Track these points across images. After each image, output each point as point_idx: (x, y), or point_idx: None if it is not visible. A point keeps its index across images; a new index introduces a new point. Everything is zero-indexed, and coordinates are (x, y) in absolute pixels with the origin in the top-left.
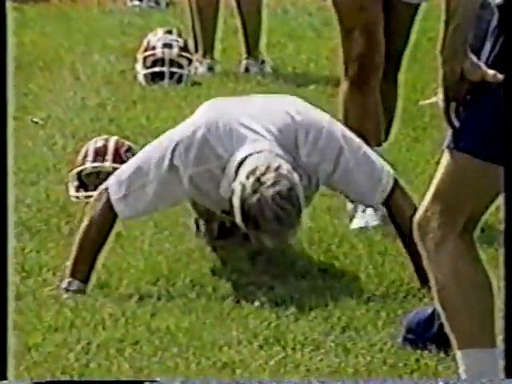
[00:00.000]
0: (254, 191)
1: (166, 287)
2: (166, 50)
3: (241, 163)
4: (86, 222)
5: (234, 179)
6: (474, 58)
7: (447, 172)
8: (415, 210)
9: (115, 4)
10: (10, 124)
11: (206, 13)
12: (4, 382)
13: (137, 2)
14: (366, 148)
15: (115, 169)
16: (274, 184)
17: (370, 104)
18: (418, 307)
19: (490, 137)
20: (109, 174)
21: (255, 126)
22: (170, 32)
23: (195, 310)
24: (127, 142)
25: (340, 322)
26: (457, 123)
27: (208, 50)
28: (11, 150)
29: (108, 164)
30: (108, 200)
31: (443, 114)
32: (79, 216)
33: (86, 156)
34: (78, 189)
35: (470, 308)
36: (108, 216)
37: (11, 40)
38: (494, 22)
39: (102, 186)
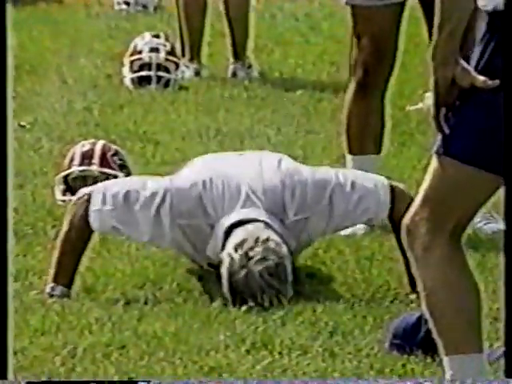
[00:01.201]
0: (242, 266)
1: (153, 291)
2: (153, 55)
3: (229, 230)
4: (65, 227)
5: (223, 246)
6: (465, 64)
7: (436, 177)
8: None
9: (102, 8)
10: (10, 127)
11: (194, 17)
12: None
13: (124, 6)
14: (352, 176)
15: (102, 173)
16: (262, 259)
17: (373, 110)
18: (405, 312)
19: (478, 143)
20: (95, 177)
21: (247, 190)
22: (157, 36)
23: (182, 314)
24: (114, 146)
25: (327, 326)
26: (446, 129)
27: (195, 55)
28: (11, 154)
29: (95, 168)
30: (87, 207)
31: (433, 119)
32: None
33: (72, 160)
34: (64, 192)
35: (457, 314)
36: (87, 222)
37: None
38: (484, 29)
39: (85, 191)
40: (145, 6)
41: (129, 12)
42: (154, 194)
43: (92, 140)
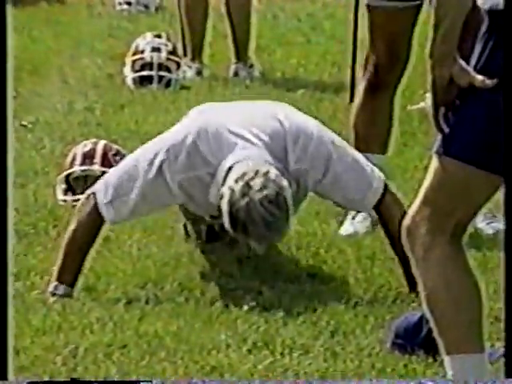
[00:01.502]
0: (243, 195)
1: (154, 291)
2: (155, 54)
3: (230, 169)
4: (72, 226)
5: (223, 185)
6: (463, 63)
7: (436, 177)
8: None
9: (104, 8)
10: (11, 129)
11: (195, 17)
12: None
13: (125, 6)
14: (355, 153)
15: (103, 172)
16: (262, 188)
17: (381, 110)
18: (407, 312)
19: (478, 142)
20: (97, 177)
21: (244, 133)
22: (158, 36)
23: (183, 314)
24: (115, 146)
25: (328, 326)
26: (446, 128)
27: (197, 54)
28: (11, 154)
29: (96, 168)
30: (95, 204)
31: (432, 119)
32: (67, 219)
33: (74, 159)
34: (65, 192)
35: (458, 313)
36: (95, 220)
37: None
38: (484, 28)
39: (90, 190)
40: (146, 6)
41: (130, 12)
42: (151, 162)
43: (93, 140)
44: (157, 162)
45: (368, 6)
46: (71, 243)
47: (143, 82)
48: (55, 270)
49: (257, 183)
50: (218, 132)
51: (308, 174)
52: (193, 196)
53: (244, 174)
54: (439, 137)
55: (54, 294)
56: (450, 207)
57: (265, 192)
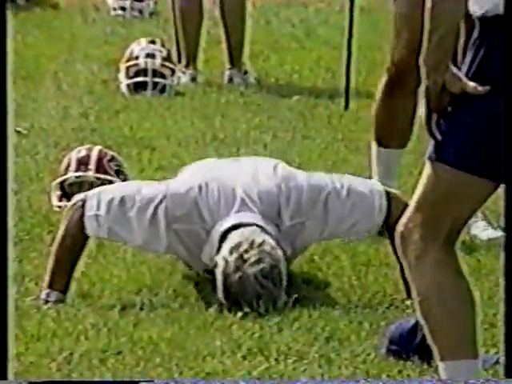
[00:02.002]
0: (237, 268)
1: (149, 297)
2: (149, 60)
3: (224, 234)
4: (60, 232)
5: (218, 250)
6: (455, 70)
7: (429, 183)
8: None
9: (98, 13)
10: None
11: (190, 23)
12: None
13: (120, 12)
14: (349, 180)
15: (98, 178)
16: (257, 262)
17: (401, 105)
18: (401, 318)
19: (471, 148)
20: (91, 183)
21: (242, 195)
22: (153, 42)
23: (178, 320)
24: (110, 152)
25: (323, 332)
26: (438, 135)
27: (191, 61)
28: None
29: (91, 174)
30: (82, 213)
31: (425, 125)
32: None
33: (68, 165)
34: (60, 198)
35: (452, 320)
36: (82, 228)
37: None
38: (475, 35)
39: (80, 196)
40: (141, 12)
41: (125, 17)
42: (149, 200)
43: (88, 146)
44: (154, 204)
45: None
46: (60, 250)
47: (138, 88)
48: (46, 276)
49: (251, 256)
50: (218, 191)
51: (305, 227)
52: (189, 247)
53: (238, 245)
54: (432, 143)
55: (46, 302)
56: (442, 213)
57: (259, 266)
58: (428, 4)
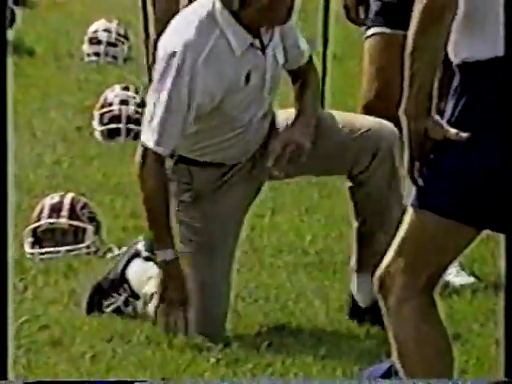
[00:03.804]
0: None
1: (121, 344)
2: (123, 107)
3: None
4: (145, 193)
5: None
6: (437, 117)
7: (411, 229)
8: None
9: (72, 60)
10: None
11: None
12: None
13: (94, 58)
14: None
15: (71, 225)
16: None
17: None
18: (375, 363)
19: (453, 196)
20: (64, 230)
21: None
22: (127, 88)
23: (150, 367)
24: (83, 199)
25: (297, 378)
26: (421, 182)
27: None
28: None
29: (64, 221)
30: (151, 154)
31: (407, 173)
32: (34, 273)
33: (41, 212)
34: (33, 245)
35: (428, 367)
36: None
37: None
38: (456, 82)
39: (138, 154)
40: (115, 58)
41: (99, 63)
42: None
43: (61, 193)
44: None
45: (366, 36)
46: (156, 209)
47: (112, 134)
48: (157, 239)
49: None
50: None
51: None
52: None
53: None
54: (414, 190)
55: (166, 262)
56: (424, 259)
57: None
58: (407, 51)
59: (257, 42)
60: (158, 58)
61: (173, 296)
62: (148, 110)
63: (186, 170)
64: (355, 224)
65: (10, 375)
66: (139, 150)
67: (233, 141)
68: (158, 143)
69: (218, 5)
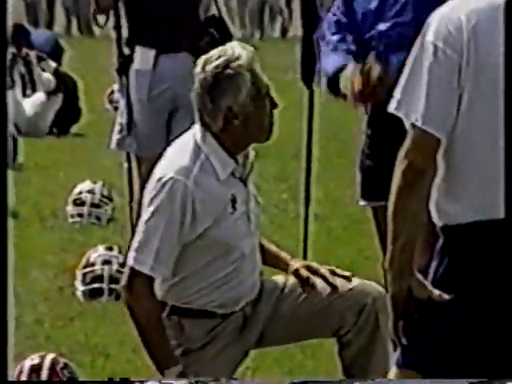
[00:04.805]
0: None
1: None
2: (106, 267)
3: None
4: (140, 316)
5: None
6: (421, 277)
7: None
8: None
9: (56, 220)
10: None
11: None
12: None
13: (78, 219)
14: None
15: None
16: None
17: None
18: None
19: (437, 356)
20: None
21: None
22: (110, 248)
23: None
24: (63, 360)
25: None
26: (405, 341)
27: None
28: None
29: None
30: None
31: (391, 331)
32: None
33: (20, 373)
34: None
35: None
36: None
37: None
38: (439, 243)
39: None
40: (98, 219)
41: (82, 224)
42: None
43: (42, 353)
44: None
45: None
46: (152, 331)
47: (94, 294)
48: (157, 362)
49: None
50: None
51: None
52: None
53: None
54: (399, 348)
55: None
56: None
57: None
58: (390, 210)
59: (238, 172)
60: (149, 185)
61: None
62: (140, 232)
63: (178, 326)
64: None
65: (10, 375)
66: (126, 273)
67: (228, 277)
68: (152, 268)
69: (201, 129)
